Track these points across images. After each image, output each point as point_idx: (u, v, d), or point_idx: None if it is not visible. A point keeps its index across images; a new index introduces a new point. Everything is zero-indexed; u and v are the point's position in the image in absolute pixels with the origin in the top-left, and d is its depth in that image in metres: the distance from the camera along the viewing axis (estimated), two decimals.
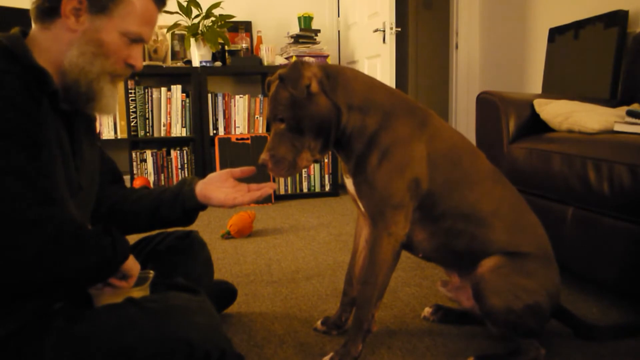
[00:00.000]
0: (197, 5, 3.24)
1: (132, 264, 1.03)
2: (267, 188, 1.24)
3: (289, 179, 3.53)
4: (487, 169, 1.27)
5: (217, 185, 1.25)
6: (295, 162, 1.19)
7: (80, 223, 0.92)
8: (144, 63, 3.34)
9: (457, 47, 3.80)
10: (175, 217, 1.25)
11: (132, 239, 1.17)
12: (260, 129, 3.52)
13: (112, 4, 0.99)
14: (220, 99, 3.45)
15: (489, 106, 2.04)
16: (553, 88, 2.73)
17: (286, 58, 3.58)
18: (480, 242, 1.23)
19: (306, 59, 3.47)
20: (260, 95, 3.53)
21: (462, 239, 1.23)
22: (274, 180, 3.39)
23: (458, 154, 1.24)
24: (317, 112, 1.17)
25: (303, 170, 3.53)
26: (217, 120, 3.45)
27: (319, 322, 1.46)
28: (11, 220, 0.82)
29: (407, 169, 1.18)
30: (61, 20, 0.98)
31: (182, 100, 3.39)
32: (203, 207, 1.26)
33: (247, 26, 3.71)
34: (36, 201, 0.85)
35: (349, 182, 1.28)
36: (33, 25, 1.01)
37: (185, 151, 3.45)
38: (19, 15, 2.84)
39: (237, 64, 3.43)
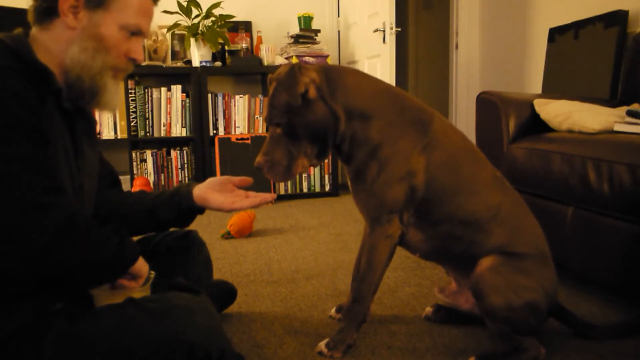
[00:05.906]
0: (197, 5, 3.24)
1: (141, 265, 1.03)
2: (267, 195, 1.24)
3: None
4: (487, 176, 1.28)
5: (216, 189, 1.26)
6: (291, 167, 1.20)
7: (89, 218, 0.92)
8: (144, 63, 3.34)
9: (457, 47, 3.80)
10: (171, 218, 1.26)
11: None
12: (260, 129, 3.52)
13: None
14: (220, 99, 3.45)
15: (489, 106, 2.04)
16: (553, 88, 2.73)
17: (286, 58, 3.58)
18: (478, 246, 1.25)
19: (306, 59, 3.47)
20: (260, 95, 3.53)
21: (459, 243, 1.25)
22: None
23: (458, 162, 1.25)
24: (313, 119, 1.17)
25: None
26: (217, 120, 3.45)
27: (333, 310, 1.52)
28: (23, 207, 0.83)
29: (404, 180, 1.21)
30: (60, 19, 0.98)
31: (182, 100, 3.39)
32: (200, 209, 1.27)
33: (247, 26, 3.70)
34: (47, 189, 0.86)
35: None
36: (32, 27, 1.01)
37: (185, 151, 3.45)
38: (19, 15, 2.84)
39: (237, 64, 3.43)
